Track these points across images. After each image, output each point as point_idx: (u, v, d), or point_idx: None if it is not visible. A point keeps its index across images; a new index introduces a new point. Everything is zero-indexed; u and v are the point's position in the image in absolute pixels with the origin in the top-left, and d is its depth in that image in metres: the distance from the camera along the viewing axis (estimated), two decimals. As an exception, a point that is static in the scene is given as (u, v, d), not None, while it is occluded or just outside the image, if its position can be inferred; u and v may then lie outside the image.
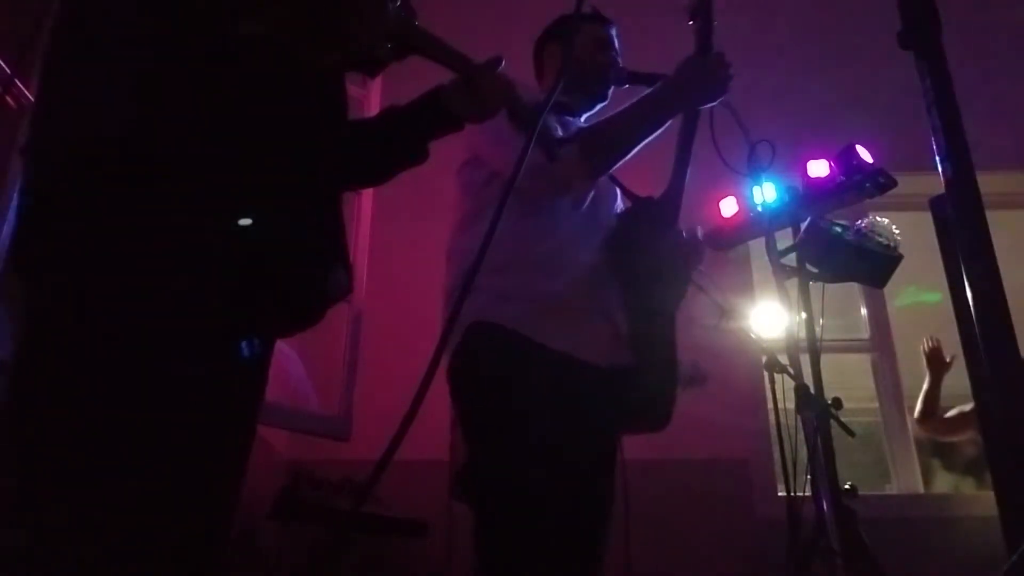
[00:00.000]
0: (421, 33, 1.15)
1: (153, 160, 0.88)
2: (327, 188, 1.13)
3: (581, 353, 1.65)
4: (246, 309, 0.97)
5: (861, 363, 3.77)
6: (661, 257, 1.74)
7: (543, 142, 1.33)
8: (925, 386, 3.48)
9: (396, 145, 1.32)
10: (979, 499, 3.10)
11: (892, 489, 3.50)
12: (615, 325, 1.72)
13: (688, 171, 1.78)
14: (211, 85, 0.95)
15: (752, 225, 3.22)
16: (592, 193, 1.74)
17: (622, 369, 1.69)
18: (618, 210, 1.89)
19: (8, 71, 1.88)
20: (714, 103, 1.74)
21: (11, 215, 2.49)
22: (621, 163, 1.70)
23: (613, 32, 1.94)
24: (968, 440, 3.41)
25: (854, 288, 3.55)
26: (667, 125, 1.69)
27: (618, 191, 1.90)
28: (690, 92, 1.68)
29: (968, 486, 4.49)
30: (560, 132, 1.68)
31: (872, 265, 2.84)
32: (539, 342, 1.60)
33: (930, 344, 3.47)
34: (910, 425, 3.52)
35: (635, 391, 1.69)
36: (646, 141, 1.66)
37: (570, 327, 1.64)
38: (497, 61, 1.26)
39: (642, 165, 1.81)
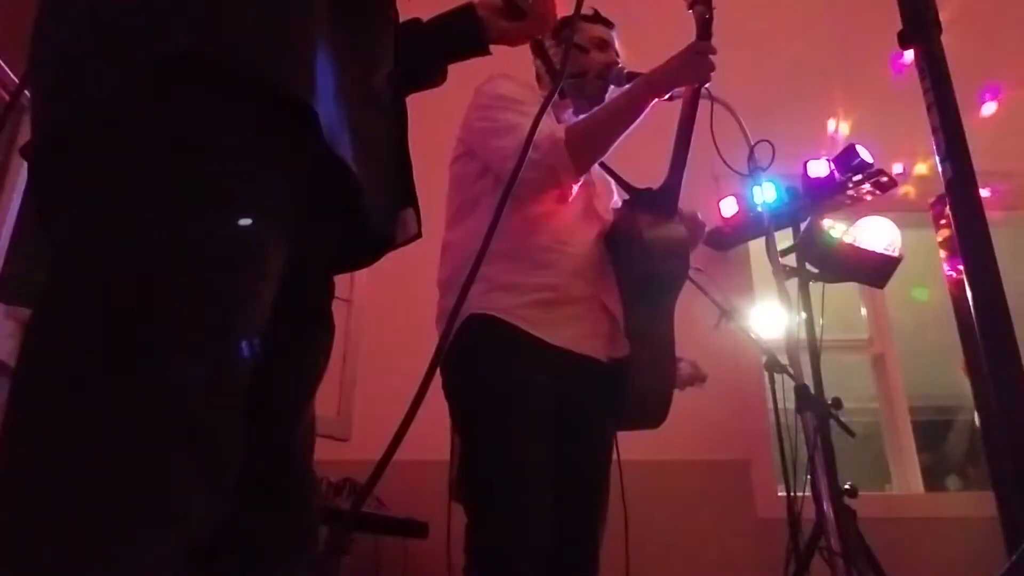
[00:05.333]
0: None
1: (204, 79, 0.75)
2: (399, 129, 1.01)
3: (578, 346, 1.66)
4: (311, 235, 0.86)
5: (861, 363, 3.78)
6: (660, 248, 1.74)
7: (557, 81, 1.22)
8: None
9: (419, 63, 1.17)
10: (979, 499, 3.10)
11: (892, 489, 3.50)
12: (613, 317, 1.73)
13: (686, 162, 1.78)
14: None
15: (752, 225, 3.23)
16: (584, 181, 1.74)
17: (620, 362, 1.69)
18: (615, 203, 1.89)
19: (7, 69, 1.88)
20: (697, 83, 1.74)
21: (11, 216, 2.49)
22: (603, 156, 1.70)
23: (614, 33, 1.95)
24: None
25: (854, 288, 3.55)
26: (665, 115, 1.68)
27: (613, 184, 1.91)
28: (670, 73, 1.68)
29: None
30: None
31: (871, 265, 2.84)
32: (536, 335, 1.61)
33: None
34: (910, 425, 3.52)
35: (632, 384, 1.69)
36: (627, 132, 1.66)
37: (567, 320, 1.65)
38: None
39: (640, 157, 1.81)
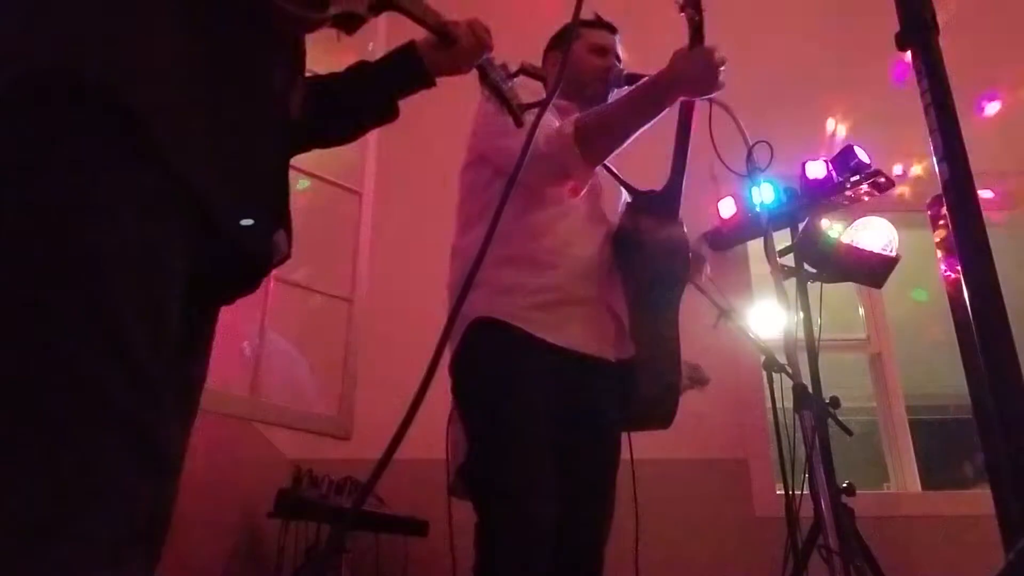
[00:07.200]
0: None
1: (98, 101, 0.80)
2: (279, 149, 1.04)
3: (585, 346, 1.67)
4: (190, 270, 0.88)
5: (858, 362, 3.79)
6: (663, 250, 1.75)
7: (509, 107, 1.36)
8: None
9: (367, 100, 1.29)
10: (976, 497, 3.11)
11: (889, 487, 3.51)
12: (618, 318, 1.74)
13: (686, 164, 1.79)
14: (181, 31, 0.87)
15: (750, 225, 3.24)
16: (591, 184, 1.75)
17: (626, 362, 1.71)
18: (621, 205, 1.90)
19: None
20: (708, 95, 1.72)
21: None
22: (616, 152, 1.70)
23: (616, 38, 1.96)
24: None
25: (851, 288, 3.56)
26: (662, 116, 1.67)
27: (621, 186, 1.92)
28: (682, 83, 1.66)
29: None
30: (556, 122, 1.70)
31: (869, 265, 2.85)
32: (540, 337, 1.62)
33: None
34: (907, 423, 3.53)
35: (639, 386, 1.71)
36: (639, 131, 1.66)
37: (571, 321, 1.66)
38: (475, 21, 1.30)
39: (642, 160, 1.82)
